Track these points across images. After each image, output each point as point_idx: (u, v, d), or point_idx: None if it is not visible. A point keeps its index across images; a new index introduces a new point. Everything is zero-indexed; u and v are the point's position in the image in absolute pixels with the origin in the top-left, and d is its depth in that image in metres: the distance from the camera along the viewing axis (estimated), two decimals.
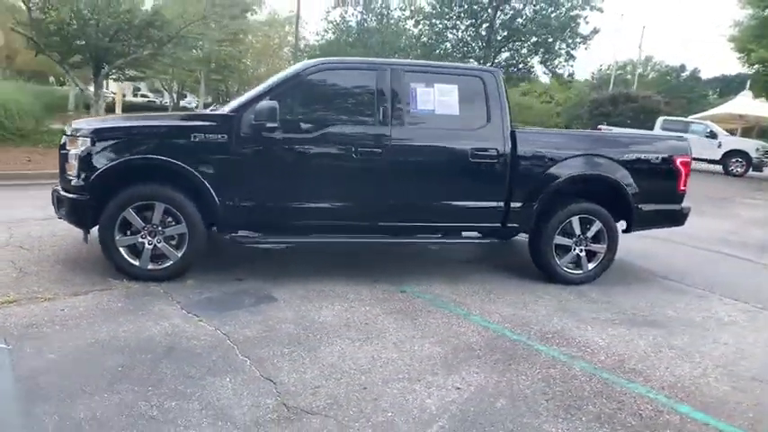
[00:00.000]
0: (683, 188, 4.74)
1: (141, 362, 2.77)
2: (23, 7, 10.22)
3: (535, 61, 20.64)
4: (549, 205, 4.51)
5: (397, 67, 4.26)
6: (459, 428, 2.38)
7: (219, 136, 3.85)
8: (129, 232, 3.87)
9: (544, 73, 21.50)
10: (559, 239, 4.55)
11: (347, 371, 2.83)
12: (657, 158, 4.65)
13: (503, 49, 20.75)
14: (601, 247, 4.63)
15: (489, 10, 19.82)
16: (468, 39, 20.99)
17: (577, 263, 4.63)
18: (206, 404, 2.43)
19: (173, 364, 2.78)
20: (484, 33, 20.29)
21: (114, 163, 3.73)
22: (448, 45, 21.91)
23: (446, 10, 20.53)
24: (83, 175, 3.77)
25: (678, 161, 4.67)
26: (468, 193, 4.34)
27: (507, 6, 19.54)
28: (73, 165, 3.81)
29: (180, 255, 3.93)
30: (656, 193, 4.71)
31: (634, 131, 13.84)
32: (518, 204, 4.40)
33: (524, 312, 3.89)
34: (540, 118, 36.18)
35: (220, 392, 2.53)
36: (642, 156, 4.61)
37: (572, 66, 20.70)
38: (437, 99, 4.24)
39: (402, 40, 23.27)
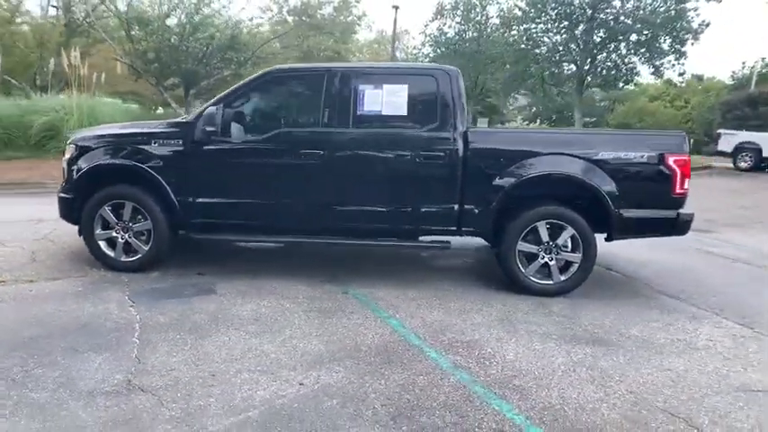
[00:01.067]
0: (679, 191, 4.10)
1: (50, 335, 3.18)
2: (127, 39, 12.11)
3: (638, 61, 18.68)
4: (510, 208, 4.21)
5: (345, 70, 4.33)
6: (265, 420, 2.38)
7: (175, 141, 4.25)
8: (108, 227, 4.42)
9: (651, 74, 19.39)
10: (524, 246, 4.21)
11: (213, 359, 2.96)
12: (643, 157, 4.09)
13: (602, 50, 19.12)
14: (575, 256, 4.18)
15: (588, 10, 18.45)
16: (564, 41, 19.73)
17: (548, 272, 4.23)
18: (64, 374, 2.73)
19: (73, 338, 3.14)
20: (580, 35, 18.93)
21: (91, 166, 4.31)
22: (544, 49, 20.86)
23: (540, 15, 19.59)
24: (70, 178, 4.41)
25: (671, 160, 4.06)
26: (417, 194, 4.21)
27: (606, 4, 18.01)
28: (64, 169, 4.47)
29: (147, 249, 4.38)
30: (642, 198, 4.14)
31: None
32: (472, 207, 4.18)
33: (453, 320, 3.68)
34: (666, 124, 32.66)
35: (86, 366, 2.82)
36: (623, 155, 4.08)
37: (683, 64, 18.36)
38: (385, 100, 4.21)
39: (498, 47, 22.69)
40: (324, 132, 4.19)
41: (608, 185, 4.07)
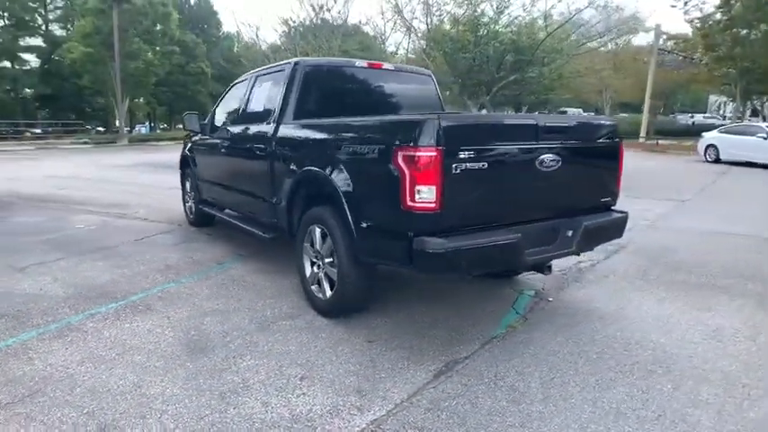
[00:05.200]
0: (410, 204, 2.66)
1: (67, 238, 5.68)
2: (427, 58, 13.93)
3: None
4: (304, 206, 3.82)
5: (257, 73, 4.90)
6: None
7: (197, 136, 6.01)
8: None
9: None
10: (309, 250, 3.74)
11: (58, 265, 4.62)
12: (374, 152, 2.89)
13: None
14: (332, 271, 3.41)
15: None
16: None
17: (320, 285, 3.62)
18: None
19: (54, 243, 5.49)
20: None
21: (183, 151, 6.66)
22: None
23: None
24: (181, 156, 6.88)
25: (400, 156, 2.69)
26: (256, 186, 4.40)
27: None
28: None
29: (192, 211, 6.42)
30: (373, 208, 2.96)
31: None
32: (277, 202, 4.06)
33: (201, 301, 3.95)
34: None
35: (25, 247, 5.11)
36: (357, 148, 3.02)
37: None
38: (257, 98, 4.60)
39: None
40: (224, 129, 5.04)
41: (348, 187, 3.13)
